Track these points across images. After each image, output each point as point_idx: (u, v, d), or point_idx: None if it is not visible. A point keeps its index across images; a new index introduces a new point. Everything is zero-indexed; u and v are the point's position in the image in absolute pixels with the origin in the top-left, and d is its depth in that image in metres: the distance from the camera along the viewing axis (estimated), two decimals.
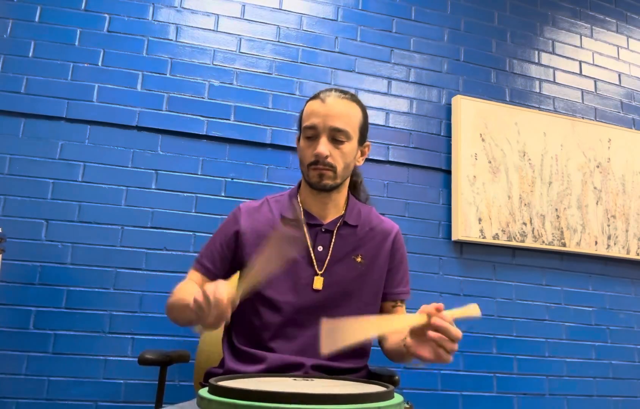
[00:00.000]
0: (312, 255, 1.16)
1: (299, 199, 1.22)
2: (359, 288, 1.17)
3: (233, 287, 0.88)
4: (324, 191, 1.16)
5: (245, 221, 1.20)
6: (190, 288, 1.13)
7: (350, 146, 1.14)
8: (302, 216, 1.19)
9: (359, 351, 1.19)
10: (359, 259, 1.18)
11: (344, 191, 1.23)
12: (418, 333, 0.90)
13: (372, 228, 1.22)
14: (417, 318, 0.88)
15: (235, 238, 1.20)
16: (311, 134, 1.13)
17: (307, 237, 1.17)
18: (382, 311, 1.23)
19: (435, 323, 0.85)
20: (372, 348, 1.25)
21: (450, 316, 0.86)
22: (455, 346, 0.85)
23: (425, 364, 0.91)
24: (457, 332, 0.85)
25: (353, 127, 1.15)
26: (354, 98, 1.18)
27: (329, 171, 1.12)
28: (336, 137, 1.12)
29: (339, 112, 1.12)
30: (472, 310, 0.85)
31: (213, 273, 1.20)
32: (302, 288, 1.13)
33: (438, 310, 0.85)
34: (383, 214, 1.31)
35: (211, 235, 1.26)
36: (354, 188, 1.33)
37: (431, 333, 0.85)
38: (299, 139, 1.20)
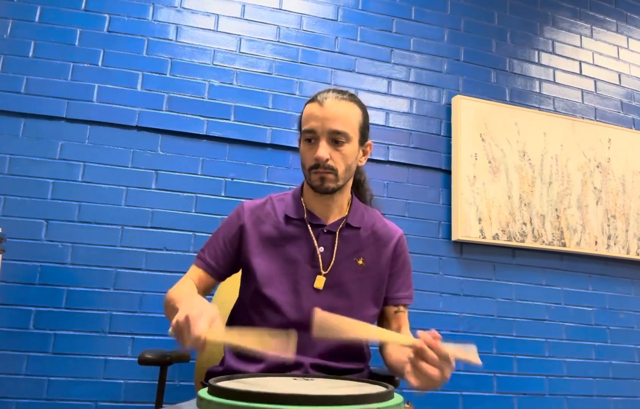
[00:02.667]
0: (314, 255, 1.16)
1: (302, 199, 1.22)
2: (360, 290, 1.16)
3: (214, 320, 0.85)
4: (327, 194, 1.15)
5: (248, 220, 1.20)
6: (185, 290, 1.13)
7: (351, 147, 1.14)
8: (305, 216, 1.19)
9: (360, 353, 1.19)
10: (360, 261, 1.18)
11: (347, 192, 1.23)
12: (415, 360, 0.87)
13: (375, 232, 1.22)
14: (412, 340, 0.85)
15: (239, 235, 1.20)
16: (310, 137, 1.13)
17: (311, 237, 1.17)
18: (383, 315, 1.22)
19: (415, 344, 0.83)
20: (371, 348, 1.25)
21: (448, 350, 0.83)
22: (433, 371, 0.82)
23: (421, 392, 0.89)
24: (433, 356, 0.82)
25: (352, 127, 1.13)
26: (353, 98, 1.17)
27: (330, 174, 1.12)
28: (336, 139, 1.11)
29: (337, 113, 1.11)
30: (472, 355, 0.81)
31: (215, 270, 1.20)
32: (303, 288, 1.13)
33: (436, 339, 0.83)
34: (384, 214, 1.31)
35: (212, 233, 1.25)
36: (358, 187, 1.32)
37: (422, 364, 0.83)
38: (300, 141, 1.20)
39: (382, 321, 1.23)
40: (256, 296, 1.14)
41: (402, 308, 1.22)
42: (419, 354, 0.84)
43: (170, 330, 0.88)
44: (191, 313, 0.85)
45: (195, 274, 1.20)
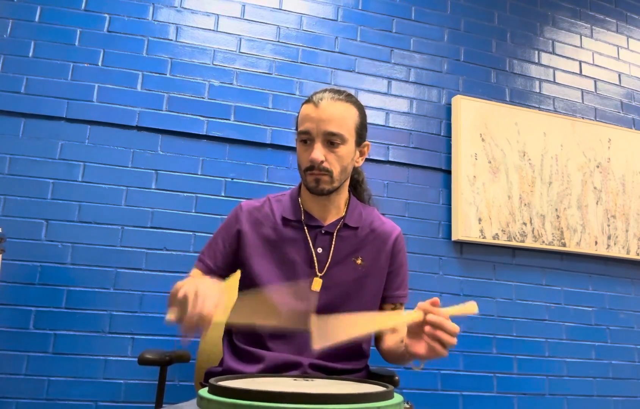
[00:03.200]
0: (312, 256, 1.16)
1: (300, 200, 1.22)
2: (359, 290, 1.16)
3: (219, 304, 0.85)
4: (322, 195, 1.15)
5: (246, 222, 1.20)
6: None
7: (347, 148, 1.13)
8: (303, 218, 1.19)
9: (358, 353, 1.19)
10: (359, 261, 1.18)
11: (344, 192, 1.22)
12: (415, 331, 0.91)
13: (373, 230, 1.22)
14: (412, 315, 0.88)
15: (237, 236, 1.20)
16: (306, 139, 1.12)
17: (308, 239, 1.17)
18: (380, 311, 1.22)
19: (431, 319, 0.85)
20: (371, 348, 1.25)
21: (446, 313, 0.86)
22: (453, 340, 0.86)
23: (422, 365, 0.91)
24: (453, 325, 0.85)
25: (348, 129, 1.12)
26: (349, 98, 1.15)
27: (326, 176, 1.11)
28: (331, 140, 1.10)
29: (332, 115, 1.10)
30: (470, 307, 0.86)
31: (215, 272, 1.20)
32: (300, 289, 1.13)
33: (434, 305, 0.86)
34: (383, 214, 1.31)
35: (212, 234, 1.26)
36: (356, 187, 1.32)
37: (427, 328, 0.86)
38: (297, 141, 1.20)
39: None
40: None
41: (398, 306, 1.22)
42: (422, 323, 0.86)
43: (170, 315, 0.86)
44: (201, 289, 0.84)
45: (196, 275, 1.20)
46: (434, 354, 0.86)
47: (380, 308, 1.22)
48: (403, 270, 1.25)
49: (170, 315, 0.86)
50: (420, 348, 0.88)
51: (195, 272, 1.21)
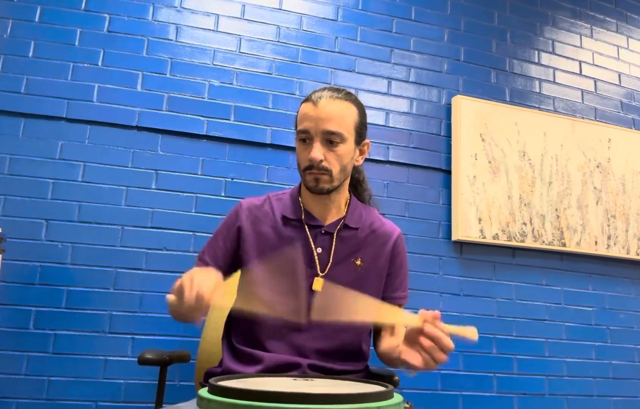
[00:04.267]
0: (313, 256, 1.15)
1: (300, 199, 1.21)
2: (358, 290, 1.16)
3: (221, 289, 0.89)
4: (322, 194, 1.15)
5: (246, 220, 1.20)
6: None
7: (346, 147, 1.12)
8: (303, 217, 1.18)
9: (358, 353, 1.18)
10: (358, 262, 1.18)
11: (345, 191, 1.22)
12: (411, 340, 0.89)
13: (373, 230, 1.22)
14: (412, 319, 0.87)
15: (237, 235, 1.20)
16: (305, 138, 1.12)
17: (309, 238, 1.17)
18: None
19: (428, 330, 0.84)
20: (370, 348, 1.25)
21: (446, 329, 0.85)
22: (444, 357, 0.85)
23: (416, 372, 0.90)
24: (449, 343, 0.85)
25: (347, 127, 1.12)
26: (349, 97, 1.15)
27: (325, 175, 1.10)
28: (330, 139, 1.09)
29: (331, 113, 1.09)
30: (470, 332, 0.84)
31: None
32: (301, 289, 1.13)
33: (435, 318, 0.85)
34: (383, 214, 1.31)
35: (212, 233, 1.25)
36: (357, 187, 1.32)
37: (423, 339, 0.85)
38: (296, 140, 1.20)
39: None
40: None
41: (397, 308, 1.22)
42: (419, 332, 0.85)
43: (170, 296, 0.90)
44: (196, 274, 0.88)
45: None
46: (425, 367, 0.86)
47: None
48: (403, 272, 1.24)
49: (170, 297, 0.92)
50: (413, 357, 0.87)
51: None
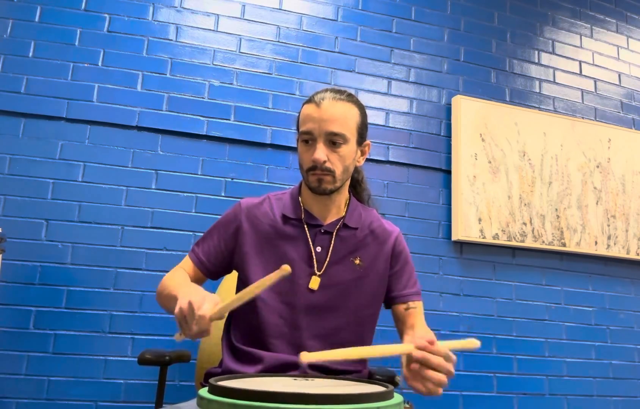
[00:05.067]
0: (311, 254, 1.16)
1: (300, 199, 1.22)
2: (357, 290, 1.16)
3: (218, 303, 0.89)
4: (324, 195, 1.15)
5: (245, 220, 1.20)
6: (180, 279, 1.13)
7: (348, 148, 1.13)
8: (303, 216, 1.19)
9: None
10: (357, 261, 1.18)
11: (345, 191, 1.22)
12: (412, 366, 0.87)
13: (373, 231, 1.22)
14: (404, 347, 0.85)
15: (235, 236, 1.20)
16: (308, 139, 1.12)
17: (307, 237, 1.17)
18: (396, 315, 1.21)
19: (416, 355, 0.83)
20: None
21: (445, 347, 0.83)
22: (442, 378, 0.82)
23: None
24: (442, 364, 0.82)
25: (350, 128, 1.13)
26: (350, 98, 1.16)
27: (328, 176, 1.11)
28: (333, 140, 1.10)
29: (334, 115, 1.10)
30: (470, 343, 0.82)
31: (206, 268, 1.20)
32: (299, 287, 1.13)
33: (430, 343, 0.83)
34: (383, 214, 1.31)
35: (210, 227, 1.25)
36: (356, 186, 1.32)
37: (413, 366, 0.83)
38: (298, 141, 1.20)
39: (396, 321, 1.22)
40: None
41: (411, 304, 1.21)
42: (418, 361, 0.83)
43: (175, 312, 0.89)
44: (193, 298, 0.87)
45: (188, 266, 1.21)
46: (427, 392, 0.84)
47: (394, 310, 1.21)
48: (408, 269, 1.24)
49: (178, 335, 0.92)
50: (417, 383, 0.85)
51: (187, 263, 1.21)
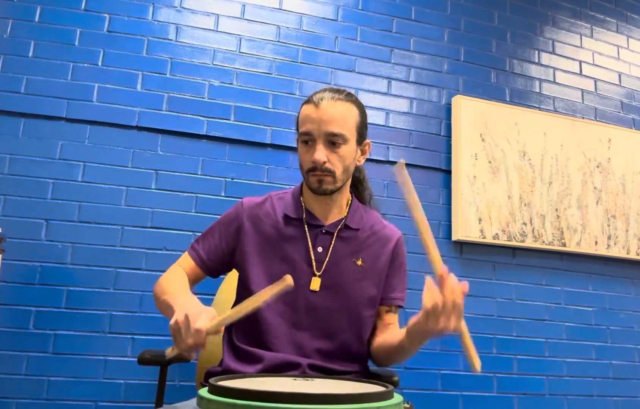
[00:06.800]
0: (312, 255, 1.15)
1: (302, 199, 1.22)
2: (358, 291, 1.16)
3: (214, 317, 0.88)
4: (325, 195, 1.15)
5: (247, 219, 1.20)
6: (178, 283, 1.12)
7: (348, 148, 1.13)
8: (304, 216, 1.18)
9: (358, 354, 1.18)
10: (359, 262, 1.18)
11: (346, 191, 1.22)
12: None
13: (374, 232, 1.22)
14: (438, 257, 0.91)
15: (236, 235, 1.20)
16: (307, 139, 1.12)
17: (307, 237, 1.17)
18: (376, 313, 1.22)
19: (441, 271, 0.88)
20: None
21: (466, 334, 0.88)
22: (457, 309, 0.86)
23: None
24: (454, 291, 0.88)
25: (349, 128, 1.13)
26: (350, 98, 1.16)
27: (328, 176, 1.11)
28: (333, 141, 1.10)
29: (333, 115, 1.10)
30: (477, 361, 0.86)
31: (206, 265, 1.20)
32: (299, 288, 1.13)
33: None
34: (384, 214, 1.31)
35: (211, 224, 1.25)
36: (357, 186, 1.32)
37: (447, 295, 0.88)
38: (298, 142, 1.20)
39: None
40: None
41: (393, 309, 1.22)
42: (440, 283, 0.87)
43: (171, 324, 0.89)
44: (190, 312, 0.86)
45: (186, 263, 1.21)
46: (433, 328, 0.88)
47: (377, 311, 1.22)
48: (401, 274, 1.24)
49: (170, 350, 0.93)
50: (422, 319, 0.88)
51: (186, 260, 1.21)
